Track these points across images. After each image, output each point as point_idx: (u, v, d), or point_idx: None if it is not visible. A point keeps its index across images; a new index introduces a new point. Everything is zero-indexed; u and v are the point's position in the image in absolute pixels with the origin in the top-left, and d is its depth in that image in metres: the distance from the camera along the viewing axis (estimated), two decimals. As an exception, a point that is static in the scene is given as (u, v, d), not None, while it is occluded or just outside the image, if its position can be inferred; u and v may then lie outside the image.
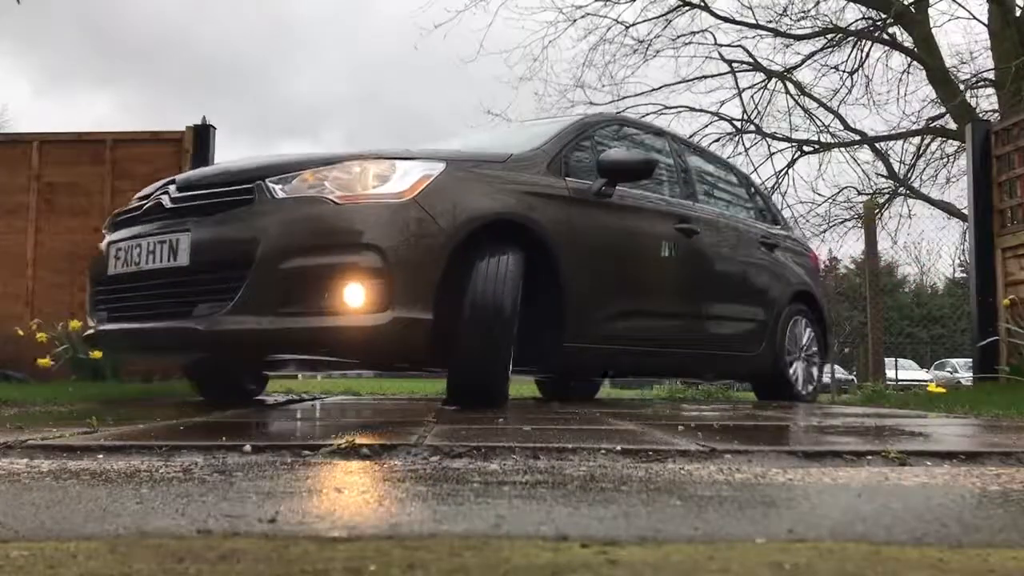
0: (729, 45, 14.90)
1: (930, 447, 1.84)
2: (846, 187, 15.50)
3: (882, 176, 15.50)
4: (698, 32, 14.74)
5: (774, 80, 14.76)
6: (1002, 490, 1.37)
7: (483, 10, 28.12)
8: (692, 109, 14.85)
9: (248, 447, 1.72)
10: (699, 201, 4.68)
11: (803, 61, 14.63)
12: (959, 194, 13.80)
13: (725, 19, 14.66)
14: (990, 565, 0.88)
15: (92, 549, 0.91)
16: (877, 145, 15.06)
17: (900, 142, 14.92)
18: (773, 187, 14.87)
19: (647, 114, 14.21)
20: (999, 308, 5.65)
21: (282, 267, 2.83)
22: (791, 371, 5.11)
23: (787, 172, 15.06)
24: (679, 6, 14.52)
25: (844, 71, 14.30)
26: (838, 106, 14.66)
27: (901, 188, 14.96)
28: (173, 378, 5.42)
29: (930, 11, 13.63)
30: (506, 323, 3.08)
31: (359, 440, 1.75)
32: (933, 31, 13.50)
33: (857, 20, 14.40)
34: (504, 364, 3.14)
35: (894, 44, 14.18)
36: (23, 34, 67.39)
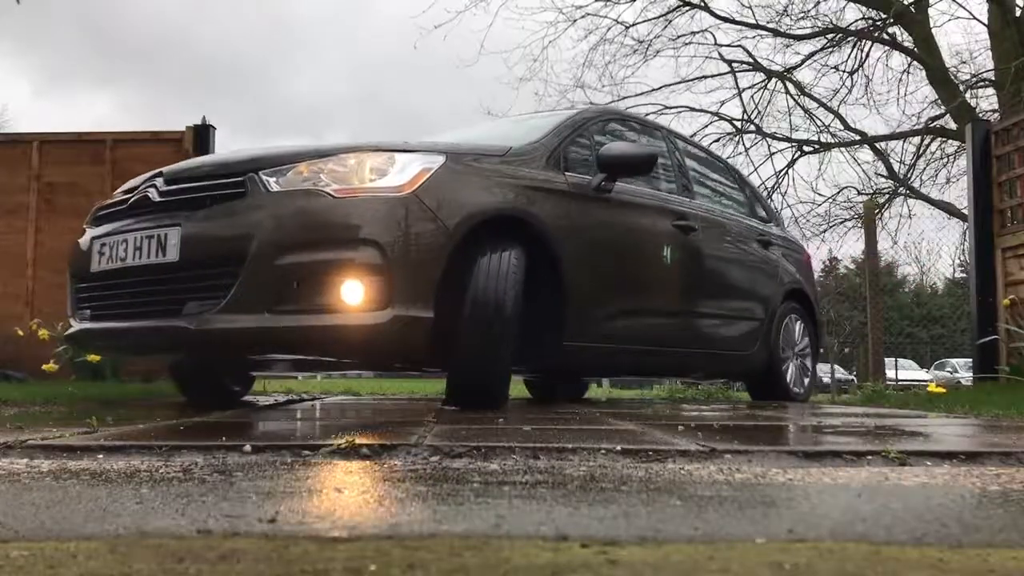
0: (729, 45, 14.92)
1: (930, 447, 1.84)
2: (846, 187, 15.53)
3: (882, 176, 15.52)
4: (698, 32, 14.76)
5: (774, 80, 14.76)
6: (1002, 490, 1.37)
7: (483, 10, 28.19)
8: (692, 109, 14.88)
9: (248, 447, 1.72)
10: (695, 197, 4.63)
11: (803, 61, 14.65)
12: (959, 194, 13.82)
13: (725, 19, 14.68)
14: (990, 565, 0.88)
15: (92, 549, 0.91)
16: (877, 145, 15.07)
17: (900, 142, 14.94)
18: (773, 187, 14.88)
19: (647, 114, 14.18)
20: (999, 308, 5.66)
21: (277, 263, 2.73)
22: (785, 370, 5.09)
23: (787, 172, 15.08)
24: (679, 6, 14.53)
25: (844, 71, 14.32)
26: (838, 106, 14.68)
27: (901, 188, 14.96)
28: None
29: (930, 11, 13.65)
30: (508, 322, 3.02)
31: (359, 440, 1.75)
32: (933, 31, 13.53)
33: (857, 20, 14.43)
34: (505, 364, 3.10)
35: (894, 44, 14.19)
36: (23, 34, 67.43)
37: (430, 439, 1.84)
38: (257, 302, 2.74)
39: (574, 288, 3.46)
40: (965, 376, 15.99)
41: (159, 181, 3.12)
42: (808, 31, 14.59)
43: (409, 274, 2.82)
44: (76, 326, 3.38)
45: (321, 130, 71.32)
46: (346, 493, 1.28)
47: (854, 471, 1.56)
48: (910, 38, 13.78)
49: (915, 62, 13.81)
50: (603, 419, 2.75)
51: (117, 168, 6.13)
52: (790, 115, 14.83)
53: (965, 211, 7.61)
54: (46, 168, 6.29)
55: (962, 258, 26.07)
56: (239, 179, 2.90)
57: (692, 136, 12.77)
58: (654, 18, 14.55)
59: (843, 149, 15.19)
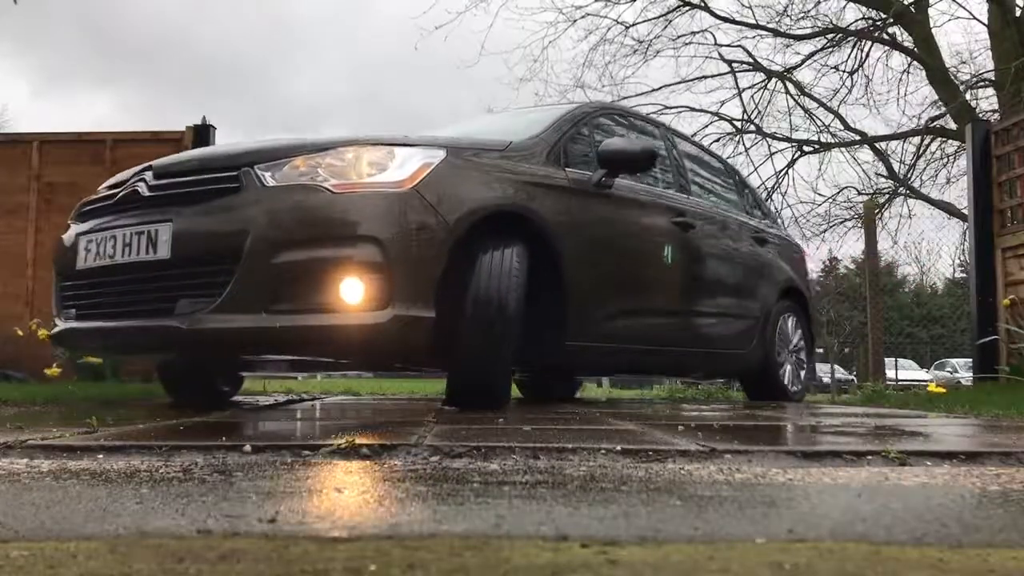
0: (729, 45, 14.93)
1: (930, 447, 1.84)
2: (846, 187, 15.55)
3: (882, 176, 15.53)
4: (698, 32, 14.77)
5: (774, 80, 14.77)
6: (1002, 490, 1.37)
7: (483, 11, 28.19)
8: (692, 109, 14.89)
9: (248, 447, 1.72)
10: (692, 194, 4.58)
11: (803, 61, 14.66)
12: (959, 194, 13.83)
13: (725, 19, 14.68)
14: (990, 565, 0.87)
15: (92, 549, 0.91)
16: (877, 145, 15.08)
17: (900, 142, 14.95)
18: (773, 187, 14.90)
19: (648, 114, 14.20)
20: (999, 308, 5.65)
21: (274, 261, 2.65)
22: (781, 369, 5.06)
23: (787, 172, 15.10)
24: (679, 6, 14.54)
25: (844, 71, 14.33)
26: (838, 106, 14.69)
27: (901, 188, 14.98)
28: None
29: (930, 11, 13.66)
30: (510, 321, 2.96)
31: (359, 440, 1.75)
32: (933, 31, 13.54)
33: (857, 20, 14.44)
34: (507, 364, 3.05)
35: (894, 44, 14.20)
36: (22, 34, 67.42)
37: (430, 439, 1.84)
38: (253, 301, 2.67)
39: (575, 286, 3.41)
40: (965, 376, 15.99)
41: (148, 175, 3.02)
42: (808, 31, 14.61)
43: (410, 272, 2.75)
44: (61, 325, 3.27)
45: (321, 130, 71.36)
46: (346, 493, 1.28)
47: (854, 471, 1.56)
48: (910, 38, 13.79)
49: (915, 62, 13.82)
50: (603, 419, 2.75)
51: (117, 168, 6.07)
52: (790, 115, 14.86)
53: (965, 211, 7.61)
54: (46, 168, 6.30)
55: (962, 258, 26.09)
56: (233, 173, 2.81)
57: (692, 136, 12.79)
58: (654, 18, 14.57)
59: (843, 149, 15.21)
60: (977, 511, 1.19)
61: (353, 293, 2.67)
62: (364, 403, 4.17)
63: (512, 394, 5.43)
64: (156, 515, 1.09)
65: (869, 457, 1.67)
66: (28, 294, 6.10)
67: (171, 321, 2.75)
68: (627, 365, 4.67)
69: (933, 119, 14.11)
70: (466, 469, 1.53)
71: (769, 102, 14.84)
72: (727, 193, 5.31)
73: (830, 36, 14.46)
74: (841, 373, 20.58)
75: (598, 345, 3.67)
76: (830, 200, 15.30)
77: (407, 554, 0.87)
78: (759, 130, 14.97)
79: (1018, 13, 12.31)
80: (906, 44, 13.97)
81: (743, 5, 14.45)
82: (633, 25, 14.56)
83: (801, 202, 15.25)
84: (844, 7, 14.33)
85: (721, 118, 14.96)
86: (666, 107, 14.46)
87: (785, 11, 14.30)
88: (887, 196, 15.27)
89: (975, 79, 13.49)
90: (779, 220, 13.58)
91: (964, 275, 25.69)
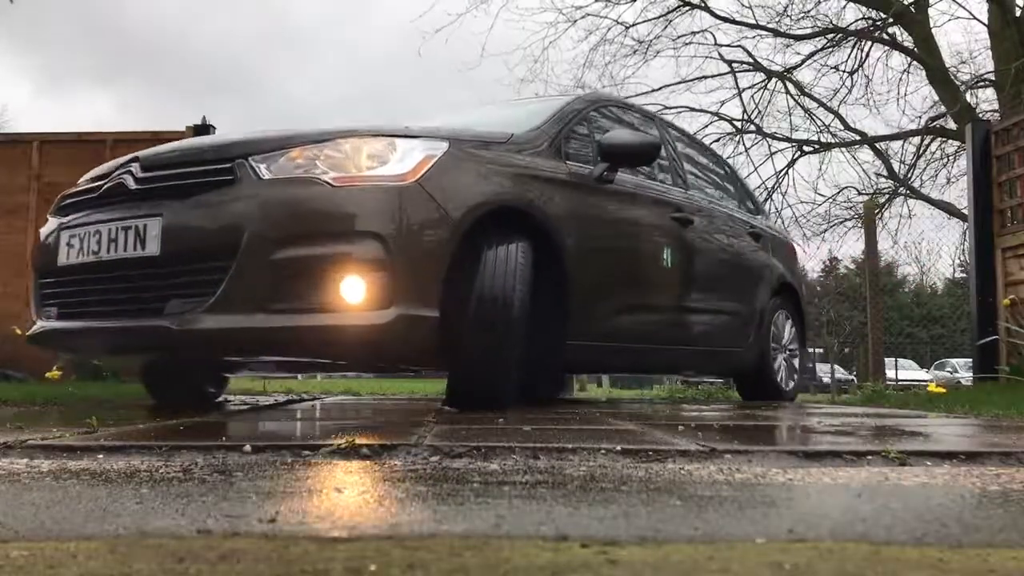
0: (729, 45, 14.95)
1: (930, 447, 1.84)
2: (846, 187, 15.57)
3: (882, 176, 15.55)
4: (698, 32, 14.79)
5: (774, 80, 14.78)
6: (1002, 490, 1.37)
7: (484, 12, 28.13)
8: (692, 109, 14.90)
9: (248, 447, 1.72)
10: (690, 188, 4.51)
11: (803, 61, 14.68)
12: (959, 194, 13.84)
13: (725, 19, 14.70)
14: (990, 565, 0.87)
15: (92, 549, 0.91)
16: (877, 145, 15.09)
17: (900, 142, 14.97)
18: (773, 187, 14.93)
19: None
20: (999, 308, 5.65)
21: (272, 258, 2.54)
22: (776, 366, 5.02)
23: (787, 172, 15.12)
24: (679, 6, 14.56)
25: (844, 71, 14.35)
26: (838, 106, 14.71)
27: (901, 188, 14.99)
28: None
29: (930, 11, 13.68)
30: (515, 320, 2.87)
31: (359, 440, 1.74)
32: (933, 31, 13.55)
33: (857, 20, 14.45)
34: (512, 364, 2.95)
35: (894, 44, 14.21)
36: (23, 34, 67.45)
37: (430, 439, 1.84)
38: (249, 300, 2.55)
39: (577, 284, 3.33)
40: (965, 376, 16.00)
41: (135, 167, 2.87)
42: (808, 31, 14.62)
43: (413, 270, 2.65)
44: (41, 325, 3.11)
45: (321, 130, 71.02)
46: (346, 493, 1.28)
47: (854, 471, 1.56)
48: (910, 38, 13.81)
49: (915, 62, 13.83)
50: (603, 419, 2.75)
51: (117, 168, 6.13)
52: (790, 115, 14.88)
53: (965, 211, 7.62)
54: (46, 168, 6.30)
55: (962, 258, 26.09)
56: (226, 166, 2.68)
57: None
58: (654, 18, 14.59)
59: (843, 149, 15.23)
60: (977, 511, 1.19)
61: (354, 292, 2.56)
62: (364, 403, 4.17)
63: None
64: (156, 515, 1.09)
65: (869, 457, 1.67)
66: (28, 294, 6.08)
67: (161, 321, 2.62)
68: (627, 364, 4.63)
69: (933, 119, 14.12)
70: (466, 469, 1.53)
71: (769, 102, 14.87)
72: (722, 187, 5.24)
73: (830, 36, 14.47)
74: (841, 373, 20.59)
75: (599, 344, 3.62)
76: (830, 200, 15.34)
77: (407, 554, 0.87)
78: (759, 130, 14.99)
79: (1018, 13, 12.32)
80: (906, 44, 13.98)
81: (743, 5, 14.48)
82: (633, 25, 14.60)
83: (801, 202, 15.29)
84: (844, 7, 14.37)
85: (721, 118, 14.99)
86: (666, 107, 14.46)
87: (785, 11, 14.33)
88: (887, 196, 15.29)
89: (975, 80, 13.50)
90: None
91: (964, 275, 25.71)
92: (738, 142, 14.87)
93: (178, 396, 3.82)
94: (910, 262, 26.24)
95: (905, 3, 13.03)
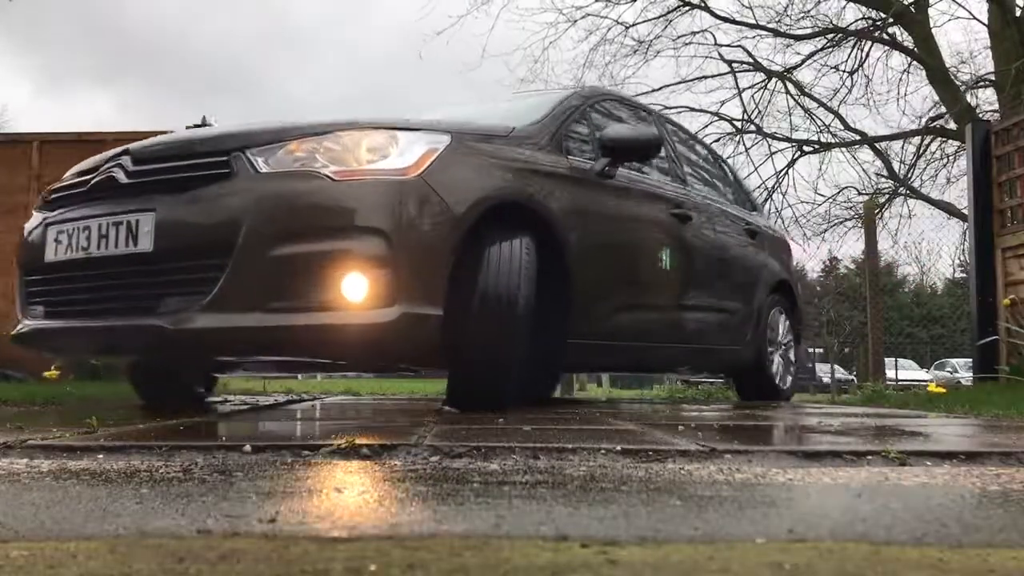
0: (729, 45, 14.96)
1: (930, 447, 1.84)
2: (846, 187, 15.59)
3: (882, 176, 15.55)
4: (698, 32, 14.80)
5: (774, 80, 14.79)
6: (1002, 490, 1.37)
7: (485, 13, 28.11)
8: (692, 109, 14.91)
9: (248, 447, 1.72)
10: (688, 184, 4.47)
11: (803, 61, 14.69)
12: (959, 194, 13.85)
13: (725, 19, 14.71)
14: (990, 565, 0.87)
15: (92, 549, 0.91)
16: (877, 145, 15.10)
17: (900, 142, 14.98)
18: (773, 187, 14.94)
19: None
20: (999, 308, 5.65)
21: (271, 254, 2.45)
22: (772, 364, 5.01)
23: (787, 172, 15.12)
24: (679, 6, 14.57)
25: (844, 71, 14.36)
26: (838, 106, 14.72)
27: (901, 188, 15.00)
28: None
29: (930, 11, 13.69)
30: (520, 318, 2.81)
31: (359, 440, 1.74)
32: (933, 31, 13.56)
33: (857, 20, 14.46)
34: (515, 364, 2.89)
35: (894, 44, 14.21)
36: (23, 34, 67.47)
37: (430, 439, 1.84)
38: (247, 298, 2.46)
39: (580, 281, 3.28)
40: (965, 376, 15.99)
41: (126, 160, 2.76)
42: (808, 31, 14.63)
43: (417, 266, 2.58)
44: (27, 324, 2.98)
45: (321, 130, 70.99)
46: (346, 493, 1.28)
47: (854, 471, 1.56)
48: (910, 38, 13.81)
49: (915, 62, 13.84)
50: (603, 419, 2.74)
51: (117, 168, 6.13)
52: (790, 115, 14.89)
53: (965, 211, 7.62)
54: (46, 168, 6.30)
55: (962, 258, 26.09)
56: (223, 159, 2.59)
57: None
58: (654, 18, 14.60)
59: (843, 149, 15.24)
60: (977, 511, 1.19)
61: (356, 289, 2.47)
62: (364, 403, 4.17)
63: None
64: (156, 515, 1.09)
65: (869, 457, 1.67)
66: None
67: (154, 320, 2.53)
68: (627, 362, 4.61)
69: (933, 119, 14.13)
70: (466, 469, 1.53)
71: (769, 102, 14.88)
72: (719, 183, 5.20)
73: (830, 36, 14.48)
74: (841, 373, 20.59)
75: (600, 343, 3.59)
76: (830, 200, 15.35)
77: (407, 554, 0.87)
78: (759, 130, 14.99)
79: (1018, 13, 12.33)
80: (906, 44, 13.98)
81: (743, 5, 14.49)
82: (633, 25, 14.61)
83: (801, 202, 15.30)
84: (844, 7, 14.38)
85: (721, 118, 15.00)
86: (666, 107, 14.44)
87: (785, 11, 14.34)
88: (887, 196, 15.30)
89: (975, 80, 13.51)
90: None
91: (964, 275, 25.70)
92: (738, 142, 14.89)
93: (166, 395, 3.72)
94: (910, 262, 26.29)
95: (905, 3, 13.04)
